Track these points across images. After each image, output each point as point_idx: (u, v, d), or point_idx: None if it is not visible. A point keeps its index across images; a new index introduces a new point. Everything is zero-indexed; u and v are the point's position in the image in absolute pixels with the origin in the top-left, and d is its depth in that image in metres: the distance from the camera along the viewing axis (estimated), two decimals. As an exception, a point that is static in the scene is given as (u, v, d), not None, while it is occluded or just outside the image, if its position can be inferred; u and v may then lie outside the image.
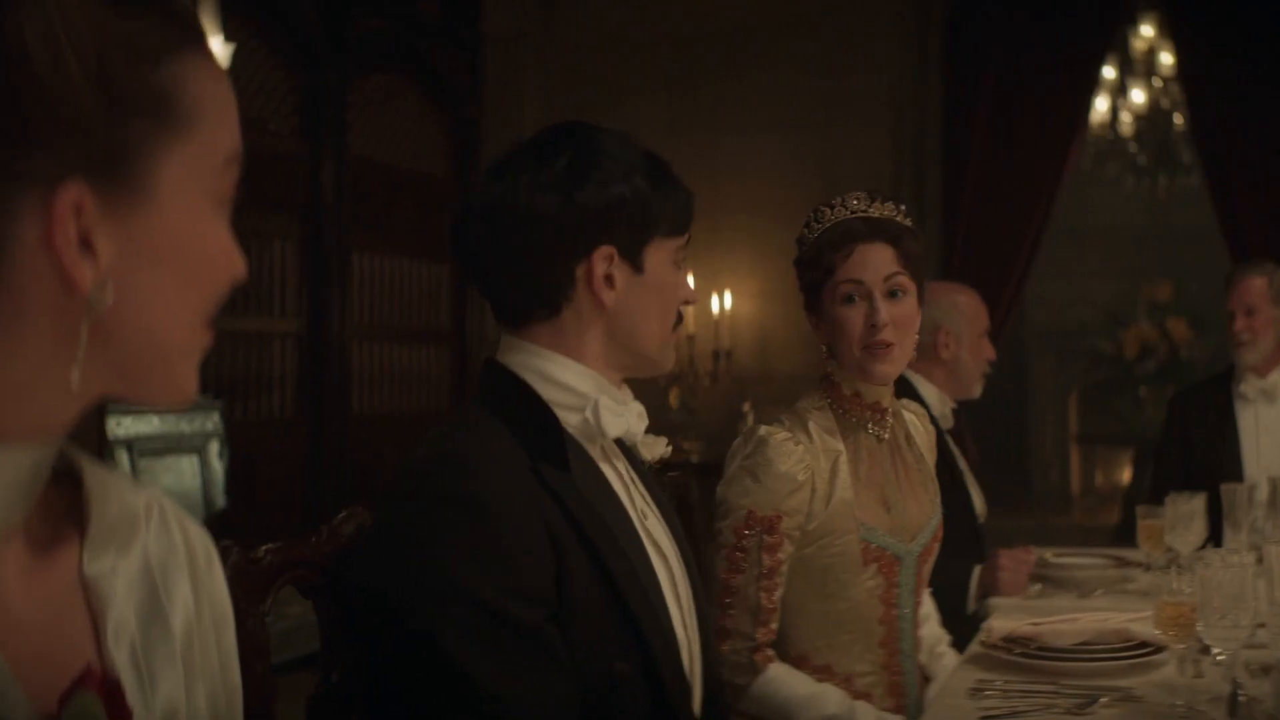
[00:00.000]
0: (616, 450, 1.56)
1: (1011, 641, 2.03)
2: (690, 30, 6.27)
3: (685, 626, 1.54)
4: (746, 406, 5.88)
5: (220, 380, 5.05)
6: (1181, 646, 1.81)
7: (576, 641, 1.37)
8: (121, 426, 4.29)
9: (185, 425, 4.52)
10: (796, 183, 5.85)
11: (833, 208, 2.05)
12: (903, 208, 2.07)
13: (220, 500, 4.59)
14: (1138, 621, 2.09)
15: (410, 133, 6.19)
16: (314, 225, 5.56)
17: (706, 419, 6.01)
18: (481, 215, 1.49)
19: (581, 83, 6.30)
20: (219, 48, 4.41)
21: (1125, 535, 7.55)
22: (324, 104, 5.58)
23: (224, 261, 0.80)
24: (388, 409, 6.01)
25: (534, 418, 1.46)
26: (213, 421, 4.64)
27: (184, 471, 4.49)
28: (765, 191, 5.98)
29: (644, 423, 1.56)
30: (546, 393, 1.48)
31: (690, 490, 2.37)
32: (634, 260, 1.50)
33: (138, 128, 0.73)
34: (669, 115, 6.12)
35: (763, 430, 2.00)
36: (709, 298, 6.06)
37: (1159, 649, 1.95)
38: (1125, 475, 9.15)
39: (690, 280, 1.64)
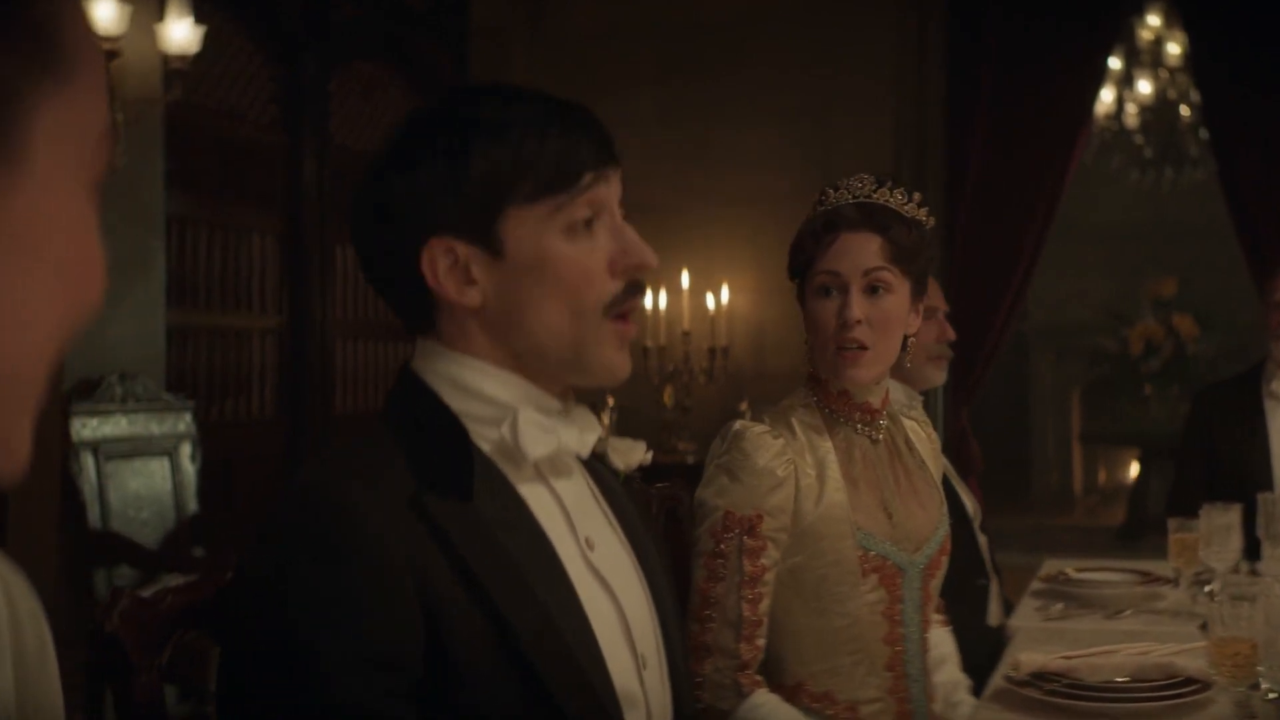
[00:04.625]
0: (568, 465, 1.30)
1: (1041, 677, 1.84)
2: (683, 20, 6.12)
3: (643, 682, 1.27)
4: (744, 405, 5.71)
5: (194, 379, 4.86)
6: (1241, 689, 1.60)
7: (464, 716, 1.11)
8: (87, 428, 4.08)
9: (155, 426, 4.32)
10: (794, 174, 5.70)
11: (837, 189, 1.89)
12: (916, 197, 1.89)
13: (192, 505, 4.38)
14: (1183, 653, 1.89)
15: (394, 123, 5.98)
16: (294, 218, 5.39)
17: (702, 418, 5.84)
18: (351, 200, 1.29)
19: (571, 75, 6.12)
20: (189, 31, 4.21)
21: (1130, 536, 7.47)
22: (304, 93, 5.40)
23: (94, 273, 0.58)
24: (371, 408, 5.83)
25: (435, 435, 1.20)
26: (184, 422, 4.44)
27: (154, 475, 4.29)
28: (762, 183, 5.82)
29: (593, 434, 1.29)
30: (459, 404, 1.22)
31: (681, 502, 2.19)
32: (486, 244, 1.20)
33: (11, 63, 0.53)
34: (662, 107, 5.95)
35: (738, 425, 1.85)
36: (704, 293, 5.91)
37: (1206, 685, 1.75)
38: (1128, 474, 9.00)
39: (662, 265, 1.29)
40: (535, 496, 1.24)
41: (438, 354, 1.24)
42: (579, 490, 1.30)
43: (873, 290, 1.84)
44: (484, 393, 1.22)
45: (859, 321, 1.82)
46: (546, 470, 1.26)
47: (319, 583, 1.08)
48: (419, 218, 1.20)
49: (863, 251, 1.84)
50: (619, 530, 1.33)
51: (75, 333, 0.58)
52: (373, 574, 1.08)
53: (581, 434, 1.27)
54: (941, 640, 2.04)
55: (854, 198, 1.87)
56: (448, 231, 1.20)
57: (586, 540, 1.26)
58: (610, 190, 1.25)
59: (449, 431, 1.20)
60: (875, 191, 1.87)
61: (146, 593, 1.12)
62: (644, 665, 1.27)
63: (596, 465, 1.37)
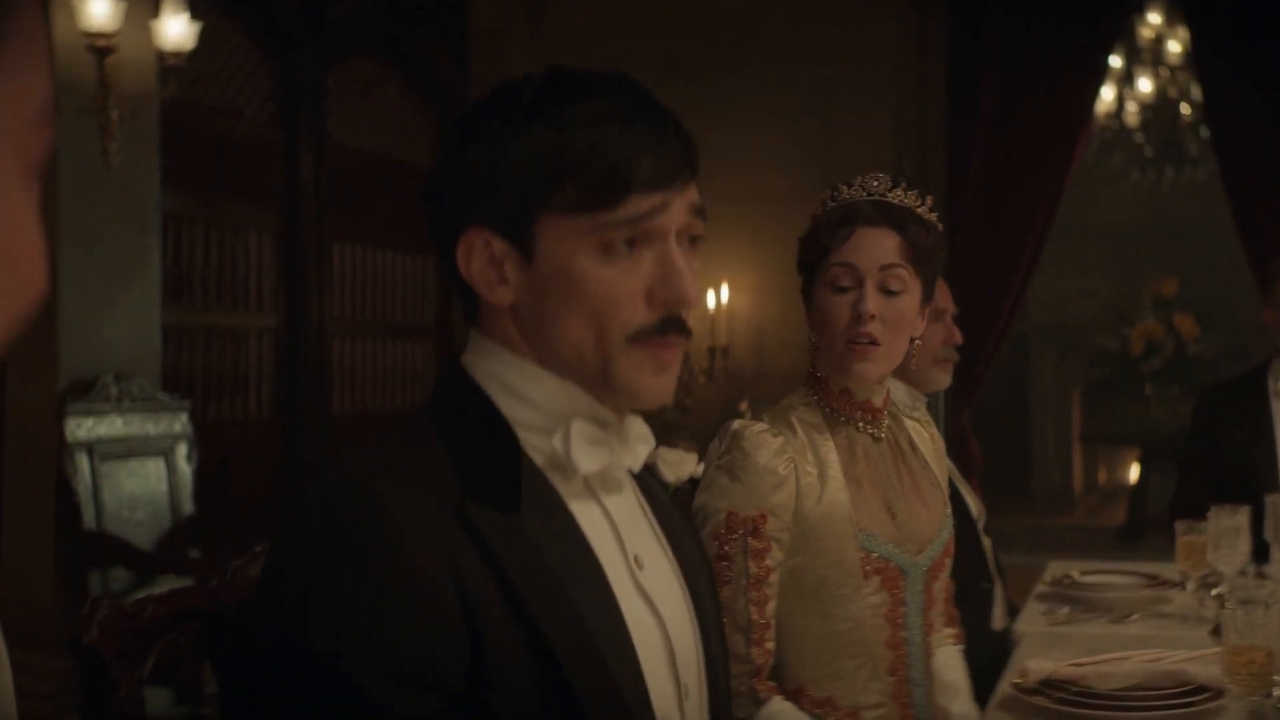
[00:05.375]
0: (619, 481, 1.21)
1: (1050, 685, 1.80)
2: (683, 19, 6.09)
3: (684, 712, 1.19)
4: (743, 405, 5.68)
5: (190, 378, 4.82)
6: (1256, 698, 1.57)
7: None
8: (82, 428, 4.05)
9: (151, 426, 4.28)
10: (795, 173, 5.68)
11: (850, 186, 1.85)
12: (929, 200, 1.86)
13: (188, 506, 4.35)
14: (1194, 660, 1.85)
15: (392, 121, 5.97)
16: (291, 216, 5.35)
17: (702, 418, 5.81)
18: None
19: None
20: (184, 27, 4.17)
21: (1131, 536, 7.44)
22: (301, 90, 5.36)
23: (34, 261, 0.53)
24: (369, 408, 5.79)
25: (484, 441, 1.12)
26: (180, 422, 4.40)
27: (149, 475, 4.25)
28: (763, 183, 5.80)
29: (646, 447, 1.20)
30: (510, 409, 1.14)
31: (679, 505, 2.14)
32: (520, 244, 1.12)
33: None
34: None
35: (736, 424, 1.80)
36: (704, 292, 5.86)
37: (1218, 693, 1.71)
38: (1128, 474, 8.97)
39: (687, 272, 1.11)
40: (584, 512, 1.16)
41: (490, 352, 1.17)
42: (629, 506, 1.22)
43: (887, 288, 1.80)
44: (538, 401, 1.15)
45: (873, 317, 1.78)
46: (597, 485, 1.19)
47: (349, 587, 1.00)
48: (459, 203, 1.14)
49: (880, 247, 1.80)
50: (667, 548, 1.25)
51: (17, 327, 0.53)
52: (409, 580, 1.01)
53: (635, 447, 1.19)
54: (952, 664, 1.96)
55: (869, 195, 1.83)
56: (485, 223, 1.12)
57: (635, 559, 1.19)
58: (669, 216, 1.13)
59: (499, 439, 1.13)
60: (890, 191, 1.84)
61: (127, 603, 1.07)
62: (685, 695, 1.20)
63: (645, 477, 1.29)
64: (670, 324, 1.13)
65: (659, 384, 1.15)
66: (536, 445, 1.14)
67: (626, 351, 1.13)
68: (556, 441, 1.13)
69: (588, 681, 1.06)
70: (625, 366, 1.13)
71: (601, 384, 1.14)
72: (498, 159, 1.11)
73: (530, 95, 1.13)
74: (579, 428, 1.13)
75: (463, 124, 1.15)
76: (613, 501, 1.19)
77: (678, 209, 1.14)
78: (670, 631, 1.18)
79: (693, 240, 1.17)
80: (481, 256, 1.13)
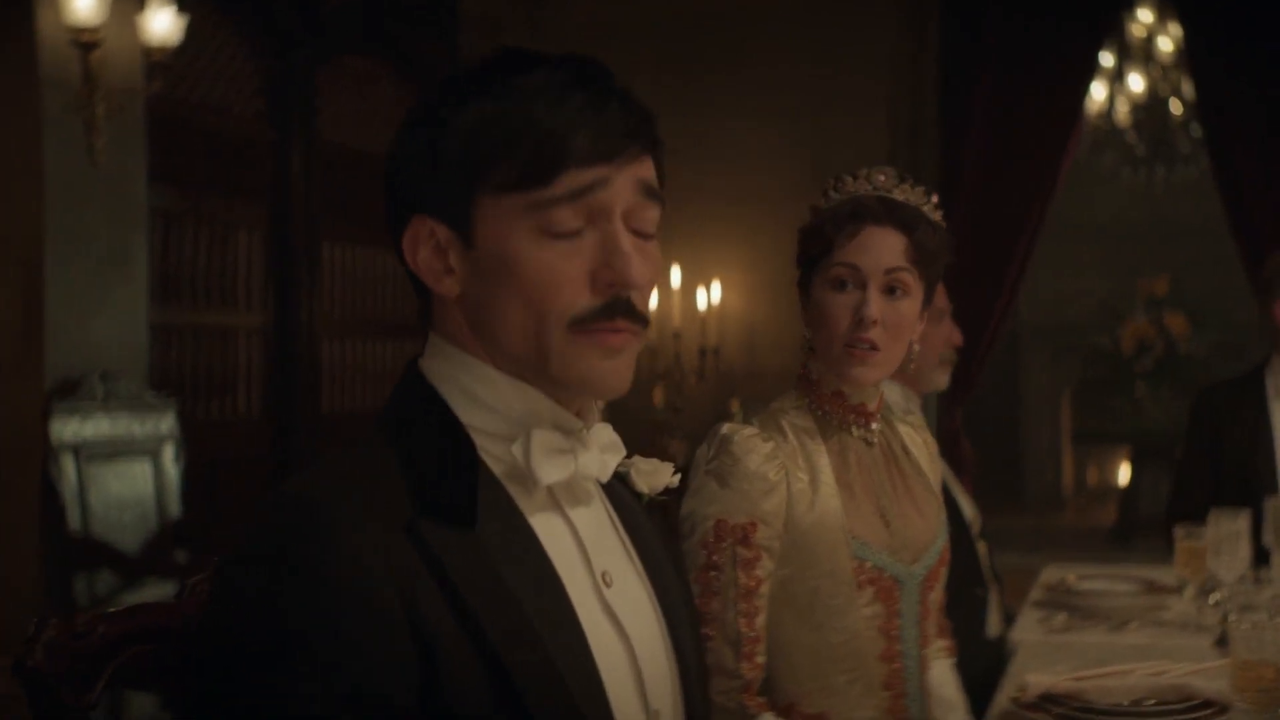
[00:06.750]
0: (587, 492, 1.14)
1: (1050, 700, 1.76)
2: (682, 17, 6.09)
3: None
4: (735, 405, 5.66)
5: (179, 378, 4.78)
6: (1265, 716, 1.53)
7: None
8: (68, 429, 3.99)
9: (137, 427, 4.23)
10: (788, 172, 5.66)
11: (856, 178, 1.79)
12: (934, 199, 1.80)
13: (175, 508, 4.29)
14: (1198, 673, 1.81)
15: (385, 118, 5.91)
16: (281, 214, 5.31)
17: (694, 419, 5.78)
18: None
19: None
20: (170, 22, 4.12)
21: (1123, 536, 7.43)
22: (292, 86, 5.31)
23: None
24: (359, 408, 5.75)
25: (440, 451, 1.05)
26: (167, 423, 4.34)
27: (136, 477, 4.20)
28: (756, 181, 5.79)
29: (614, 456, 1.14)
30: (468, 416, 1.08)
31: (673, 509, 2.09)
32: (461, 230, 1.06)
33: None
34: (657, 103, 5.82)
35: (726, 428, 1.74)
36: (695, 291, 5.84)
37: (1224, 708, 1.67)
38: (1119, 473, 8.97)
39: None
40: (547, 526, 1.09)
41: (447, 354, 1.10)
42: (597, 519, 1.15)
43: (890, 291, 1.75)
44: (495, 406, 1.08)
45: (875, 322, 1.73)
46: (562, 497, 1.12)
47: (294, 608, 0.94)
48: (405, 191, 1.09)
49: (886, 249, 1.74)
50: (638, 563, 1.18)
51: None
52: (355, 601, 0.95)
53: (602, 456, 1.12)
54: (945, 678, 1.92)
55: (875, 190, 1.77)
56: (429, 211, 1.07)
57: (603, 575, 1.12)
58: (612, 193, 1.06)
59: (456, 448, 1.06)
60: (897, 187, 1.77)
61: (77, 622, 1.02)
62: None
63: (617, 487, 1.22)
64: (617, 307, 1.06)
65: (606, 368, 1.07)
66: (496, 454, 1.08)
67: (568, 338, 1.05)
68: (516, 450, 1.06)
69: (547, 707, 1.00)
70: (567, 354, 1.06)
71: (546, 376, 1.08)
72: (436, 140, 1.06)
73: (470, 73, 1.08)
74: (540, 436, 1.07)
75: (412, 114, 1.11)
76: (579, 514, 1.13)
77: (621, 185, 1.07)
78: (638, 653, 1.12)
79: (646, 221, 1.11)
80: (427, 246, 1.07)
